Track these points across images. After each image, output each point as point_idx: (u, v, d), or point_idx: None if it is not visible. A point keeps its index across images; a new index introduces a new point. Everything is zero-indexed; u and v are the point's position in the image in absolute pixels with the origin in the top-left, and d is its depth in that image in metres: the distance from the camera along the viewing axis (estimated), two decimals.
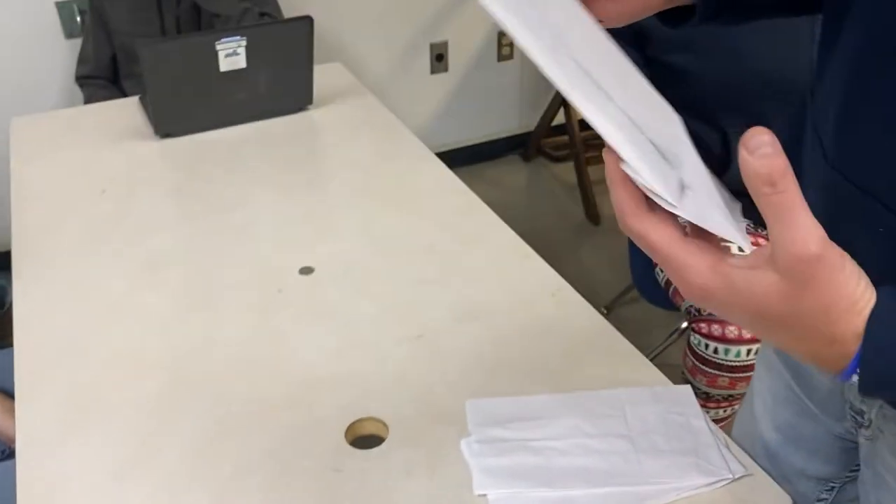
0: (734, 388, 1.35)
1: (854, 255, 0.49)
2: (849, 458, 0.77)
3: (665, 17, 0.62)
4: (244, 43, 1.43)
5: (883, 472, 0.67)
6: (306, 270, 1.11)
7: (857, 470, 0.73)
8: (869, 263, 0.48)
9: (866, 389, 0.44)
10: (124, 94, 1.99)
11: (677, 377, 1.41)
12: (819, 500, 0.84)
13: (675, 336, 1.74)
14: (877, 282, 0.46)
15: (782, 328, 0.44)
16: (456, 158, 2.97)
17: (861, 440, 0.70)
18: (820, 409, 0.76)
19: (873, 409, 0.67)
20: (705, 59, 1.33)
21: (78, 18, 2.17)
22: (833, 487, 0.82)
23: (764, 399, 0.83)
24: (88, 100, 2.00)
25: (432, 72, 2.81)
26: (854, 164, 0.52)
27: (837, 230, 0.49)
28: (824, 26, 0.57)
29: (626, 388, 0.87)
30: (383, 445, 0.82)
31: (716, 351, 1.32)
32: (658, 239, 0.45)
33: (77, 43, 2.11)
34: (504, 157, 3.12)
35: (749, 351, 1.32)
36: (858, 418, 0.69)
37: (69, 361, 0.96)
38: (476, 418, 0.84)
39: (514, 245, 1.16)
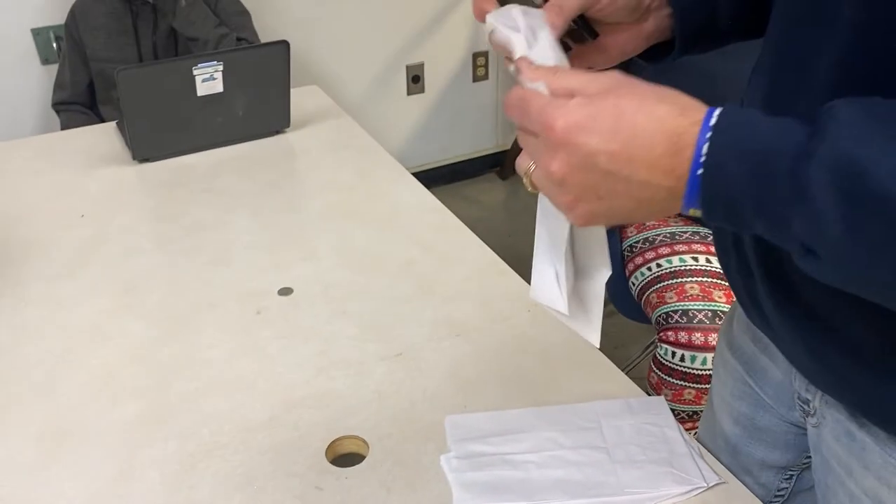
0: (699, 404, 1.36)
1: (783, 257, 0.58)
2: (804, 446, 0.80)
3: (646, 54, 0.68)
4: (221, 67, 1.45)
5: (829, 457, 0.70)
6: (285, 291, 1.12)
7: (811, 457, 0.76)
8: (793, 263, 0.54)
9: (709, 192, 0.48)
10: (101, 120, 1.99)
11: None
12: (780, 490, 0.87)
13: (650, 349, 1.76)
14: (797, 274, 0.53)
15: (632, 133, 0.49)
16: (434, 177, 3.00)
17: (809, 428, 0.74)
18: (773, 400, 0.80)
19: (816, 396, 0.71)
20: (680, 84, 1.37)
21: (54, 44, 2.18)
22: (791, 476, 0.86)
23: (721, 395, 0.87)
24: (65, 126, 2.00)
25: (409, 93, 2.84)
26: None
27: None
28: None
29: (602, 400, 0.89)
30: (363, 463, 0.83)
31: (682, 359, 1.34)
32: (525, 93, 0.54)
33: (53, 69, 2.11)
34: (482, 175, 3.15)
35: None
36: (805, 406, 0.73)
37: (45, 388, 0.96)
38: (455, 434, 0.85)
39: (490, 262, 1.18)
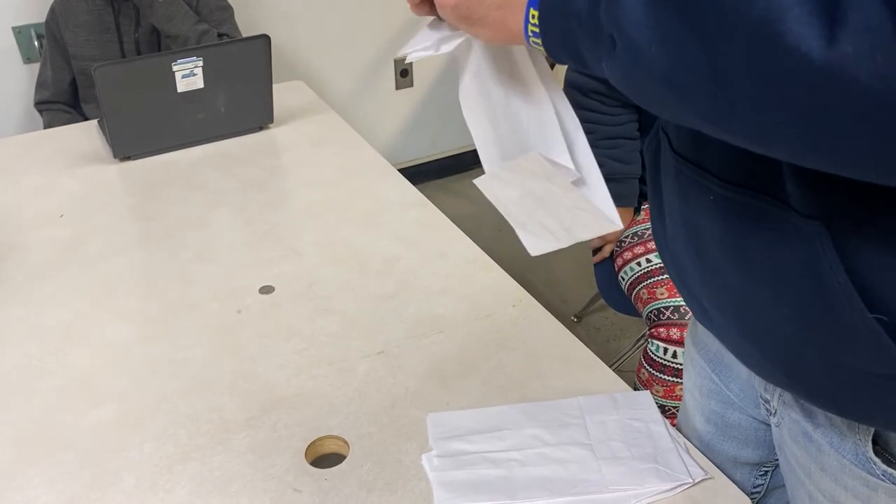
0: None
1: (701, 228, 0.60)
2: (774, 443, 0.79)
3: None
4: (201, 63, 1.43)
5: (790, 457, 0.70)
6: (266, 290, 1.10)
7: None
8: (709, 232, 0.59)
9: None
10: (85, 119, 1.97)
11: None
12: (755, 487, 0.87)
13: (641, 342, 1.75)
14: (717, 247, 0.58)
15: None
16: (423, 172, 2.98)
17: (773, 427, 0.73)
18: (739, 398, 0.80)
19: (775, 396, 0.71)
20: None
21: (36, 43, 2.15)
22: (766, 472, 0.85)
23: (693, 394, 0.87)
24: (48, 125, 1.97)
25: (397, 87, 2.82)
26: (689, 146, 0.61)
27: (687, 205, 0.62)
28: None
29: (586, 395, 0.88)
30: (343, 464, 0.81)
31: (674, 355, 1.33)
32: None
33: (35, 67, 2.08)
34: (471, 169, 3.12)
35: None
36: (766, 406, 0.72)
37: (22, 391, 0.94)
38: (437, 432, 0.84)
39: (475, 257, 1.17)
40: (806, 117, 0.39)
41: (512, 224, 0.69)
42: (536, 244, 0.68)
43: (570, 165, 0.59)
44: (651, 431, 0.82)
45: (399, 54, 0.66)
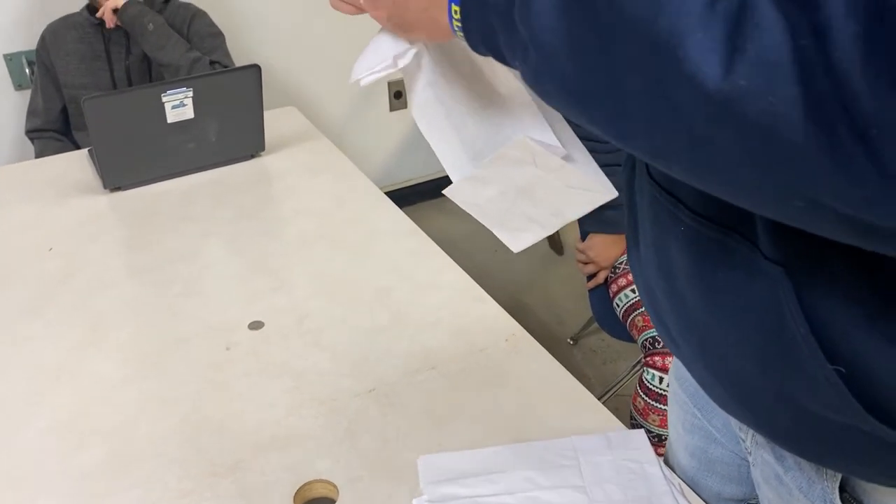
0: None
1: (672, 258, 0.59)
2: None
3: None
4: (191, 94, 1.42)
5: (762, 498, 0.69)
6: (256, 325, 1.09)
7: None
8: (678, 263, 0.58)
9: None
10: (77, 147, 1.96)
11: None
12: None
13: (637, 368, 1.73)
14: (685, 279, 0.56)
15: None
16: (419, 192, 2.97)
17: (750, 465, 0.72)
18: (721, 433, 0.79)
19: (748, 436, 0.70)
20: None
21: (27, 70, 2.14)
22: None
23: (676, 428, 0.86)
24: (40, 154, 1.97)
25: (391, 109, 2.82)
26: (664, 174, 0.59)
27: (660, 233, 0.61)
28: None
29: (580, 435, 0.86)
30: None
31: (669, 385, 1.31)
32: None
33: (27, 95, 2.08)
34: None
35: None
36: (743, 443, 0.71)
37: (6, 431, 0.92)
38: (428, 475, 0.82)
39: (466, 287, 1.16)
40: (697, 144, 0.38)
41: (489, 226, 0.67)
42: (518, 239, 0.66)
43: (557, 143, 0.58)
44: (646, 473, 0.81)
45: (352, 79, 0.63)
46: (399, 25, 0.57)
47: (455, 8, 0.49)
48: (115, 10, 1.84)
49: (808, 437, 0.56)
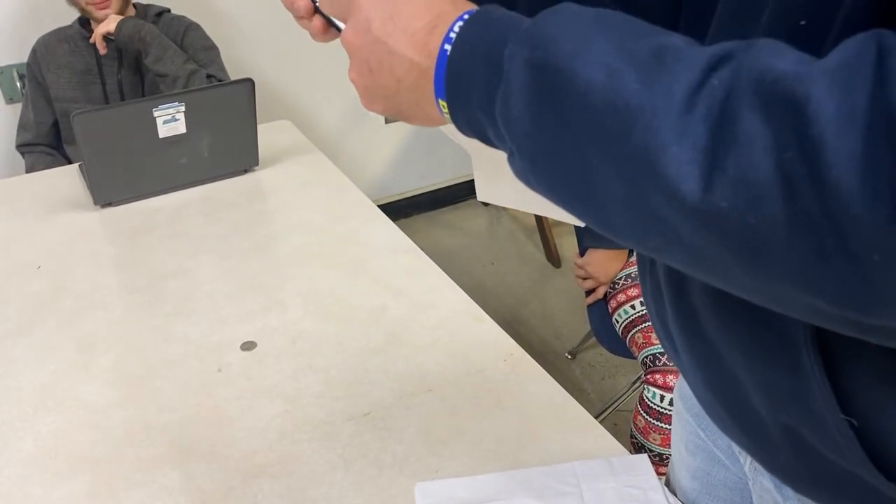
0: None
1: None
2: None
3: None
4: (183, 108, 1.40)
5: None
6: (248, 346, 1.06)
7: None
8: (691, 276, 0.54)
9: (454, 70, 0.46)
10: (68, 161, 1.94)
11: None
12: None
13: (637, 385, 1.71)
14: (699, 292, 0.55)
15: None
16: (415, 205, 2.96)
17: (751, 489, 0.70)
18: (725, 454, 0.77)
19: (747, 460, 0.68)
20: None
21: (18, 84, 2.12)
22: None
23: (679, 449, 0.84)
24: (31, 167, 1.94)
25: (387, 121, 2.80)
26: None
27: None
28: None
29: (582, 460, 0.84)
30: None
31: (671, 402, 1.29)
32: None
33: (18, 108, 2.06)
34: (463, 201, 3.10)
35: None
36: (742, 467, 0.70)
37: None
38: (426, 503, 0.80)
39: (464, 306, 1.13)
40: (687, 249, 0.37)
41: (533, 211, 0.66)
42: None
43: None
44: (649, 499, 0.79)
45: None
46: (396, 116, 0.56)
47: (442, 103, 0.48)
48: (108, 34, 1.82)
49: (808, 475, 0.54)
